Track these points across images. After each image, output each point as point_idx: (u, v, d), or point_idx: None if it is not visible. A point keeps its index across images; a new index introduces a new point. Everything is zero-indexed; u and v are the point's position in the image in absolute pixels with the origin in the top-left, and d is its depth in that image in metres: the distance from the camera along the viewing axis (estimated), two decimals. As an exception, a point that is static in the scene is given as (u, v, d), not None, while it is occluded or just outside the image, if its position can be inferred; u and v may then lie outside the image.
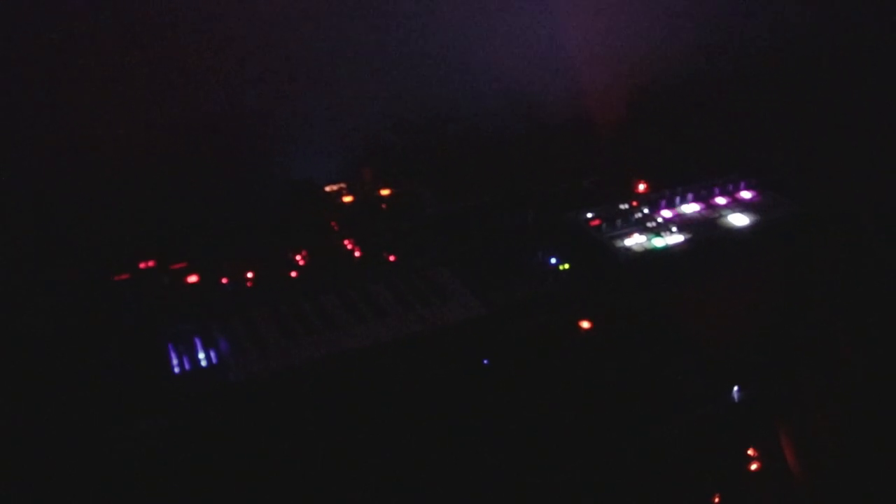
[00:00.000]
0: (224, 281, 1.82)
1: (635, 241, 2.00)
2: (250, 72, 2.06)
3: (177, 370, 1.58)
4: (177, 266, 1.83)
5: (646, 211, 2.12)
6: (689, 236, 2.03)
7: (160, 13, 1.90)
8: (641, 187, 2.28)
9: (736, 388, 2.37)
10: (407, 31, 2.20)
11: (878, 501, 2.39)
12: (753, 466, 2.56)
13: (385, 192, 2.13)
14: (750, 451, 2.55)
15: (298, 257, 1.91)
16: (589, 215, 2.07)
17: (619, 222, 2.05)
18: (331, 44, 2.12)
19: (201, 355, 1.62)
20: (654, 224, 2.07)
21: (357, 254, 1.96)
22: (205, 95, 2.03)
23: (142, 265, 1.82)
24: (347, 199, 2.09)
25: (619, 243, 1.99)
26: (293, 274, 1.87)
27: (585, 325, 2.14)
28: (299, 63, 2.11)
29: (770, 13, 2.70)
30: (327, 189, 2.10)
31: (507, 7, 2.30)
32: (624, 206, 2.12)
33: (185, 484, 1.58)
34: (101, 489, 1.48)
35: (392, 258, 1.95)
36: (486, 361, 2.03)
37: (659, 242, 2.00)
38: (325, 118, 2.20)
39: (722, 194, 2.24)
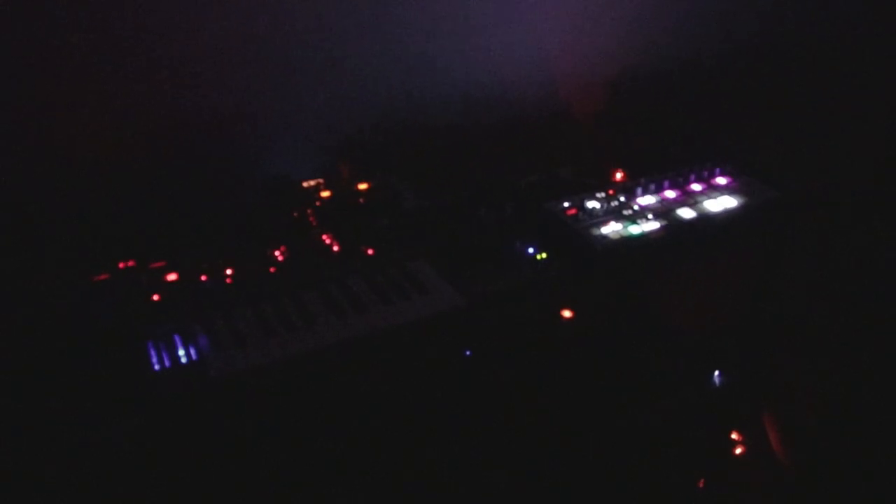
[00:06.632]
0: (203, 278, 1.83)
1: (612, 228, 2.02)
2: (226, 70, 2.07)
3: (157, 367, 1.59)
4: (156, 265, 1.84)
5: (622, 199, 2.13)
6: (665, 223, 2.05)
7: (135, 13, 1.91)
8: (618, 176, 2.30)
9: (717, 372, 2.40)
10: (382, 25, 2.20)
11: (862, 482, 2.42)
12: (738, 450, 2.58)
13: (362, 186, 2.14)
14: (734, 436, 2.58)
15: (277, 253, 1.92)
16: (566, 205, 2.08)
17: (595, 211, 2.06)
18: (307, 41, 2.13)
19: (181, 352, 1.63)
20: (630, 212, 2.08)
21: (335, 248, 1.97)
22: (182, 94, 2.04)
23: (121, 265, 1.83)
24: (325, 194, 2.10)
25: (595, 231, 2.00)
26: (272, 270, 1.88)
27: (566, 313, 2.15)
28: (276, 60, 2.12)
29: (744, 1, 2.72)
30: (305, 185, 2.11)
31: (483, 1, 2.31)
32: (600, 195, 2.13)
33: (165, 481, 1.59)
34: (81, 488, 1.49)
35: (370, 252, 1.96)
36: (468, 352, 2.05)
37: (635, 230, 2.02)
38: (301, 114, 2.20)
39: (698, 181, 2.26)
